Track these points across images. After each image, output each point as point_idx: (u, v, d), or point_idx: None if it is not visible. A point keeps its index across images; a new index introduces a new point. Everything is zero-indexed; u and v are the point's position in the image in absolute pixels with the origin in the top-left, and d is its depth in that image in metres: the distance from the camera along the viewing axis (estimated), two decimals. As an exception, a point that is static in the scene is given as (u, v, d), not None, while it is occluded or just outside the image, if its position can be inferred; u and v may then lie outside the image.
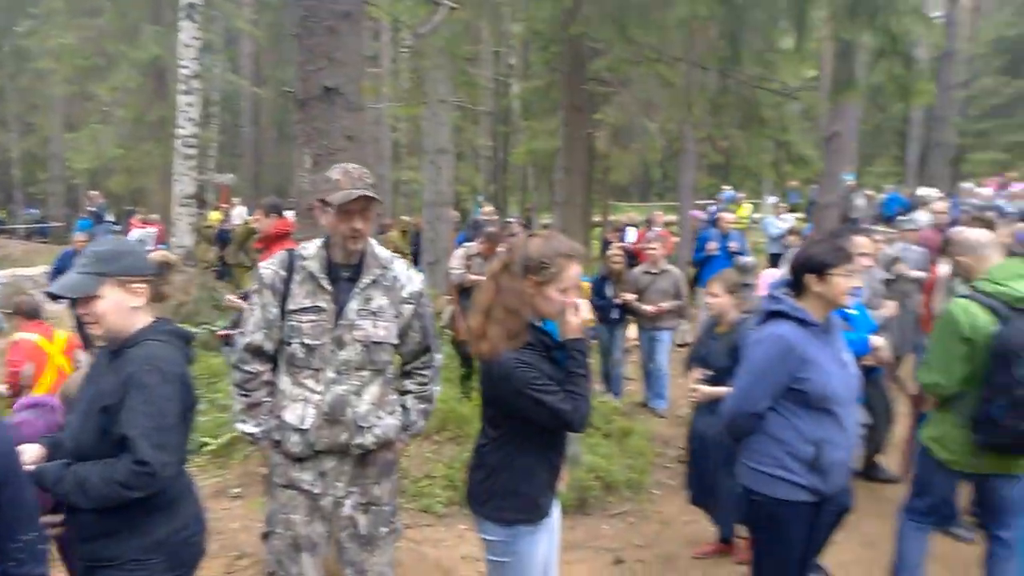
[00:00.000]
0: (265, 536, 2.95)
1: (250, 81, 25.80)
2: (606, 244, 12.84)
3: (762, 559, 3.16)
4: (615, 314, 7.45)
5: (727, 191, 15.49)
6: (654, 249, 7.75)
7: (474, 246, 7.29)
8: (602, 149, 16.57)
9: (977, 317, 3.30)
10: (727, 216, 10.01)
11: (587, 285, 6.88)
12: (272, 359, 2.89)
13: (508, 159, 21.89)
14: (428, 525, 4.86)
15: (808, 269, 2.97)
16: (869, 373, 4.82)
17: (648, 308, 7.37)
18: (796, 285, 3.03)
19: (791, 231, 11.01)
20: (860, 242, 5.00)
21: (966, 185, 15.73)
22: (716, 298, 4.37)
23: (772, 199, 18.34)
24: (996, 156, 22.06)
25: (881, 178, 27.32)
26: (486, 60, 19.88)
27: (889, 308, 5.68)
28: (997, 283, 3.35)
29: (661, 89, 7.77)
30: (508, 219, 15.88)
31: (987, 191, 13.20)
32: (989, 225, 7.19)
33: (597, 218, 18.61)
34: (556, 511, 2.83)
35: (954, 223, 7.65)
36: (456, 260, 7.21)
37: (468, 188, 23.59)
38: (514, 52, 21.23)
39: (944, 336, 3.41)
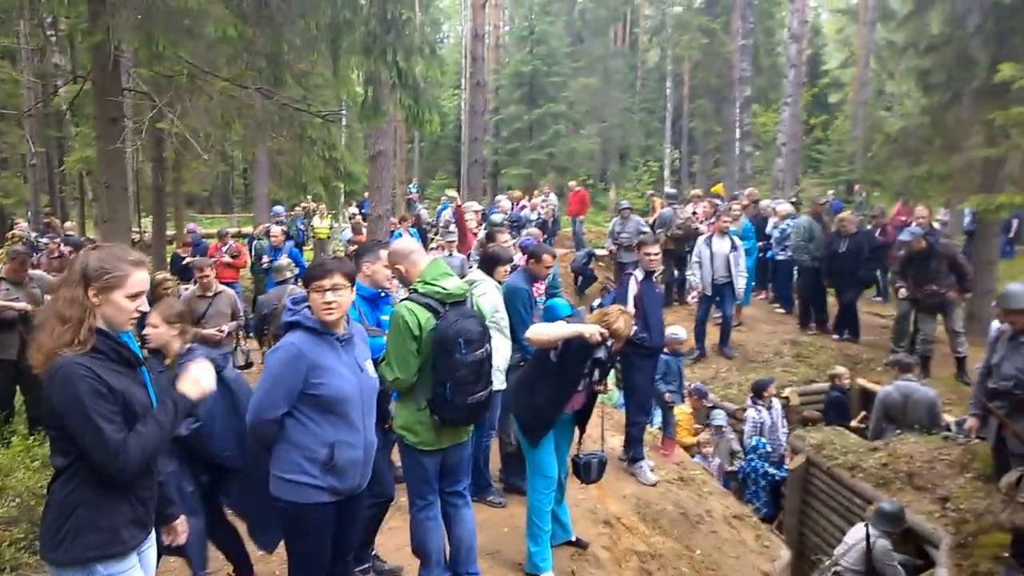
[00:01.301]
0: None
1: None
2: (177, 260, 12.27)
3: (294, 559, 3.34)
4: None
5: (278, 207, 15.84)
6: (207, 276, 7.46)
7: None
8: (171, 159, 15.73)
9: (420, 315, 3.83)
10: (275, 229, 10.43)
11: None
12: None
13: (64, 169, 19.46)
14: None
15: (305, 283, 3.32)
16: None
17: (209, 332, 7.16)
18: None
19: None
20: (384, 254, 5.56)
21: (499, 197, 18.35)
22: (155, 329, 3.95)
23: (352, 210, 19.21)
24: (523, 171, 25.95)
25: (441, 189, 30.32)
26: (26, 57, 17.53)
27: None
28: (429, 283, 3.92)
29: (201, 105, 7.76)
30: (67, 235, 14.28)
31: (507, 203, 15.54)
32: (499, 232, 8.60)
33: (171, 232, 17.55)
34: (152, 549, 2.71)
35: (489, 236, 8.65)
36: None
37: (14, 200, 20.42)
38: (60, 51, 18.93)
39: (397, 336, 3.84)
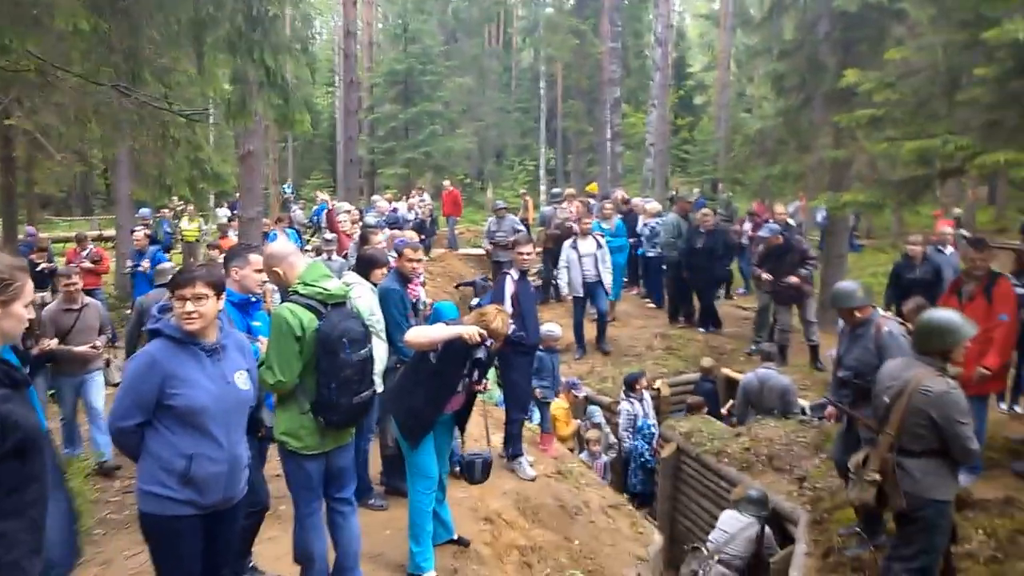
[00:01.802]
0: None
1: None
2: (31, 267, 11.37)
3: (160, 574, 3.25)
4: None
5: (144, 208, 15.03)
6: (73, 286, 6.73)
7: None
8: (22, 158, 14.57)
9: (302, 316, 3.79)
10: (138, 233, 9.93)
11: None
12: None
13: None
14: None
15: (170, 290, 3.20)
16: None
17: (80, 351, 6.54)
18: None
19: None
20: (255, 259, 5.40)
21: (375, 197, 18.13)
22: None
23: (223, 212, 18.45)
24: (400, 171, 25.76)
25: (317, 188, 29.62)
26: None
27: None
28: (310, 284, 3.89)
29: (53, 102, 7.22)
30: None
31: (384, 204, 15.40)
32: (372, 234, 8.51)
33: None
34: None
35: (363, 238, 8.51)
36: None
37: None
38: None
39: (279, 338, 3.78)
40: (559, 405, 8.97)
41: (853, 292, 5.51)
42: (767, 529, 6.39)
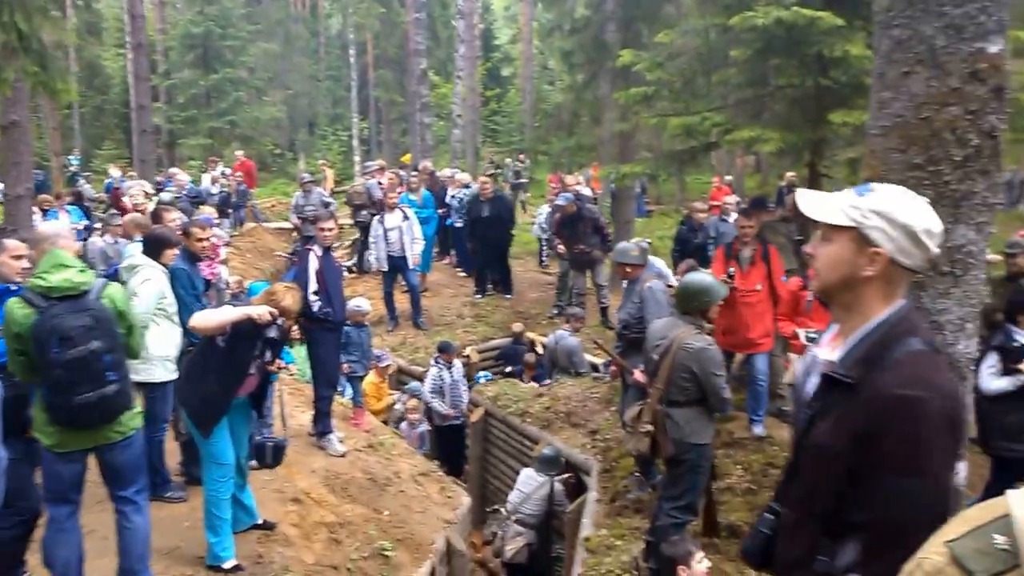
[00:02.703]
0: None
1: None
2: None
3: None
4: None
5: None
6: None
7: None
8: None
9: (19, 312, 3.55)
10: None
11: None
12: None
13: None
14: None
15: None
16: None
17: None
18: None
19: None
20: (11, 245, 4.91)
21: (173, 169, 16.86)
22: None
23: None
24: (203, 141, 24.12)
25: (110, 160, 27.04)
26: None
27: None
28: (36, 276, 3.65)
29: None
30: None
31: (184, 177, 14.38)
32: (165, 211, 7.90)
33: None
34: None
35: (155, 216, 7.84)
36: None
37: None
38: None
39: (6, 332, 3.60)
40: (370, 380, 8.91)
41: (628, 250, 5.97)
42: (557, 486, 6.75)
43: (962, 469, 2.59)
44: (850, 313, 1.83)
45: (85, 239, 9.36)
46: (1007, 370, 5.12)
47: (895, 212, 1.74)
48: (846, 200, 1.80)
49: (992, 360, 5.20)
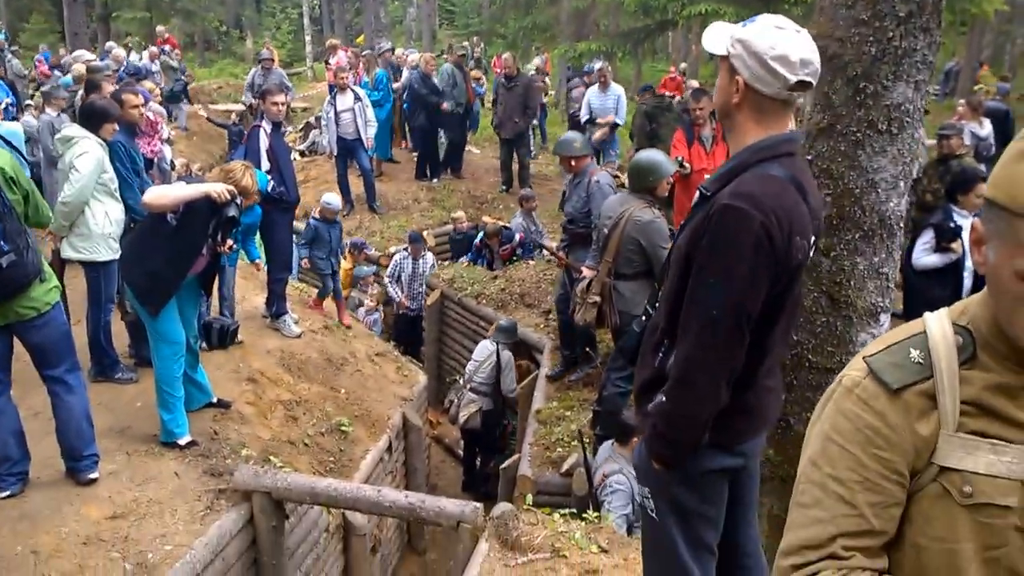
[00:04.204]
0: None
1: None
2: None
3: None
4: None
5: None
6: None
7: None
8: None
9: None
10: None
11: None
12: None
13: None
14: None
15: None
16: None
17: None
18: None
19: None
20: None
21: (110, 44, 15.92)
22: None
23: None
24: (141, 15, 22.72)
25: (39, 36, 25.40)
26: None
27: None
28: None
29: None
30: None
31: (121, 52, 13.62)
32: (104, 81, 7.48)
33: None
34: None
35: (90, 86, 7.31)
36: None
37: None
38: None
39: None
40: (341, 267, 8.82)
41: (571, 141, 5.84)
42: (505, 354, 6.91)
43: (886, 321, 2.70)
44: (733, 138, 1.95)
45: (15, 117, 8.87)
46: (939, 248, 5.27)
47: (752, 40, 1.82)
48: (728, 31, 1.89)
49: (927, 237, 5.35)
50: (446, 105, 11.11)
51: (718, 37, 1.92)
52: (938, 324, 1.10)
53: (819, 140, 2.63)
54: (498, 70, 11.47)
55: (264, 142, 6.16)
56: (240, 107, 15.78)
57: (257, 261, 6.46)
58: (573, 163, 5.84)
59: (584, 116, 10.04)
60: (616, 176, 6.37)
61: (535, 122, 10.21)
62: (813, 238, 1.95)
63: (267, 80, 12.48)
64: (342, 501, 4.29)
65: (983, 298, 1.07)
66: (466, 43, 21.65)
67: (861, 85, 2.50)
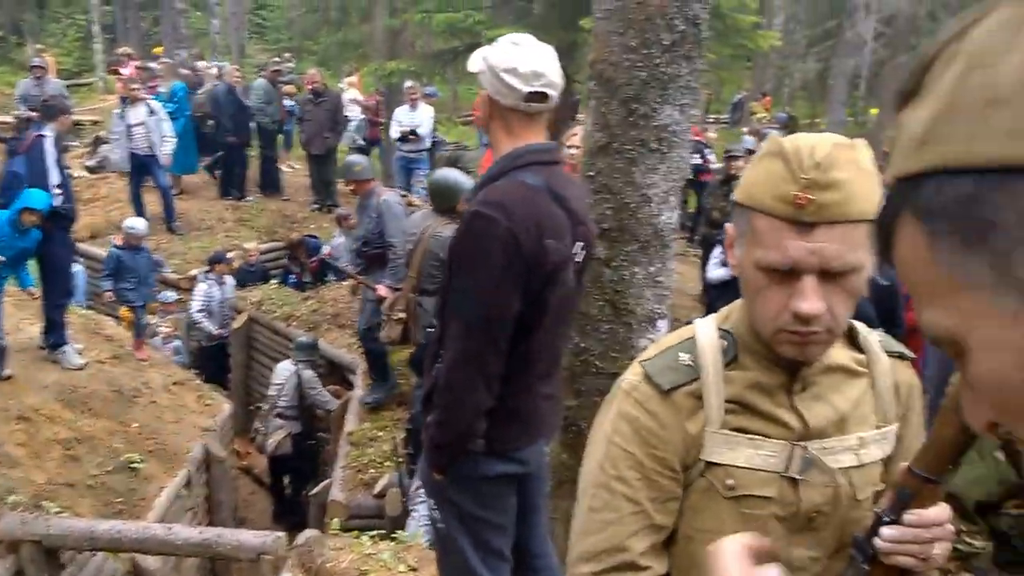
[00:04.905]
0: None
1: None
2: None
3: None
4: None
5: None
6: None
7: None
8: None
9: None
10: None
11: None
12: None
13: None
14: None
15: None
16: None
17: None
18: None
19: None
20: None
21: None
22: None
23: None
24: None
25: None
26: None
27: None
28: None
29: None
30: None
31: None
32: None
33: None
34: None
35: None
36: None
37: None
38: None
39: None
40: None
41: (353, 164, 5.78)
42: (306, 374, 6.69)
43: (663, 327, 2.89)
44: (493, 150, 2.06)
45: None
46: (726, 262, 5.77)
47: (490, 56, 1.94)
48: (482, 52, 2.00)
49: (717, 252, 5.83)
50: (232, 138, 10.76)
51: (475, 58, 2.01)
52: (705, 329, 1.17)
53: (598, 157, 2.77)
54: (310, 86, 11.19)
55: (52, 153, 5.65)
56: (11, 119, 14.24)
57: (30, 288, 5.83)
58: (358, 186, 5.76)
59: (395, 134, 10.03)
60: (404, 196, 6.38)
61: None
62: (581, 243, 2.05)
63: (42, 90, 11.36)
64: (127, 544, 3.93)
65: (743, 302, 1.14)
66: (277, 58, 21.01)
67: (633, 107, 2.67)
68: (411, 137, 9.24)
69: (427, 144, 9.52)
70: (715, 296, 5.84)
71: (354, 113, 12.05)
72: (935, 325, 0.45)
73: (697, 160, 8.90)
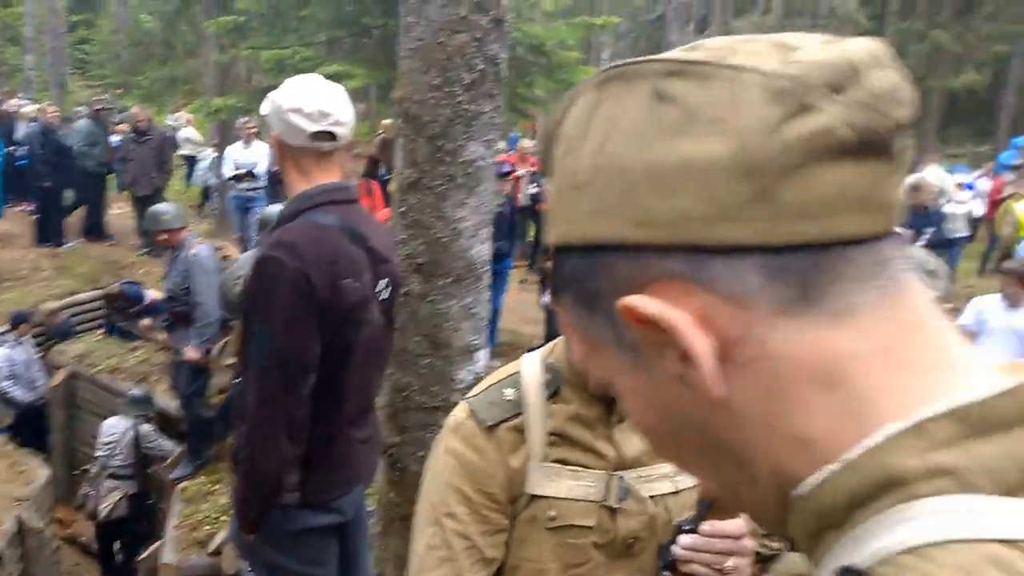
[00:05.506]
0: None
1: None
2: None
3: None
4: None
5: None
6: None
7: None
8: None
9: None
10: None
11: None
12: None
13: None
14: None
15: None
16: None
17: None
18: None
19: None
20: None
21: None
22: None
23: None
24: None
25: None
26: None
27: None
28: None
29: None
30: None
31: None
32: None
33: None
34: None
35: None
36: None
37: None
38: None
39: None
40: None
41: (161, 215, 5.25)
42: (143, 428, 6.23)
43: (482, 357, 2.92)
44: (288, 191, 2.02)
45: None
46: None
47: (276, 98, 1.92)
48: (272, 95, 1.96)
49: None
50: (47, 183, 10.03)
51: (265, 100, 1.98)
52: (530, 364, 1.19)
53: (408, 193, 2.79)
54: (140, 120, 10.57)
55: None
56: None
57: None
58: (166, 236, 5.22)
59: (229, 172, 9.62)
60: (219, 248, 5.90)
61: None
62: (385, 280, 2.04)
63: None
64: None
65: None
66: (101, 95, 19.70)
67: (440, 143, 2.71)
68: (246, 177, 8.88)
69: (263, 183, 9.17)
70: (555, 320, 5.99)
71: (204, 153, 11.51)
72: (596, 374, 0.49)
73: (535, 189, 9.13)
